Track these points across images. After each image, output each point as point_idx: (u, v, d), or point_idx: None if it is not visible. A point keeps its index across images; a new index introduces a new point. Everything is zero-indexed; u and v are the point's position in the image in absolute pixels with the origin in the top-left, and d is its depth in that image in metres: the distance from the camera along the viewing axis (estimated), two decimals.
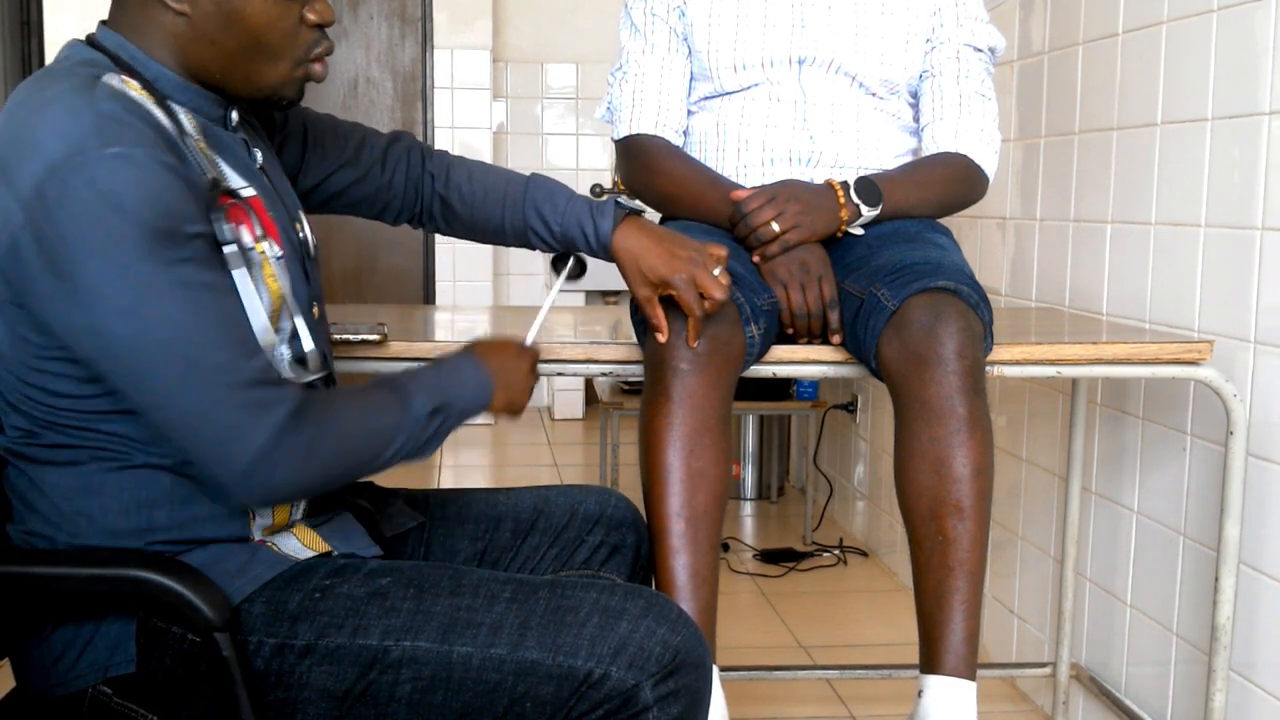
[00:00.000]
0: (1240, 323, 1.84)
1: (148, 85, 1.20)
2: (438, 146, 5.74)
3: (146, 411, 1.15)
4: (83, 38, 1.25)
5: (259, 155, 1.34)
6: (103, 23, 1.25)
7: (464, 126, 5.34)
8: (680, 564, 1.51)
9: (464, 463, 4.79)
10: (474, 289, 5.36)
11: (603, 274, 4.89)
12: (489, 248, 5.25)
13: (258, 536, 1.28)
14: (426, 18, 5.27)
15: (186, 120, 1.24)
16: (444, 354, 1.38)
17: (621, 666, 1.19)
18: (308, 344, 1.28)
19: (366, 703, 1.21)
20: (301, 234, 1.36)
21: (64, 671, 1.23)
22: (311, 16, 1.26)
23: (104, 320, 1.10)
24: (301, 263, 1.33)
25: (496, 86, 5.48)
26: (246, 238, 1.22)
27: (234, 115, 1.31)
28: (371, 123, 5.48)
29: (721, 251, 1.52)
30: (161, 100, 1.20)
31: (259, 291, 1.22)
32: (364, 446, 1.23)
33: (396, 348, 1.71)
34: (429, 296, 5.39)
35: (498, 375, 1.37)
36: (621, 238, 1.53)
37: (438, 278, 5.38)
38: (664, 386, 1.54)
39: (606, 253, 1.55)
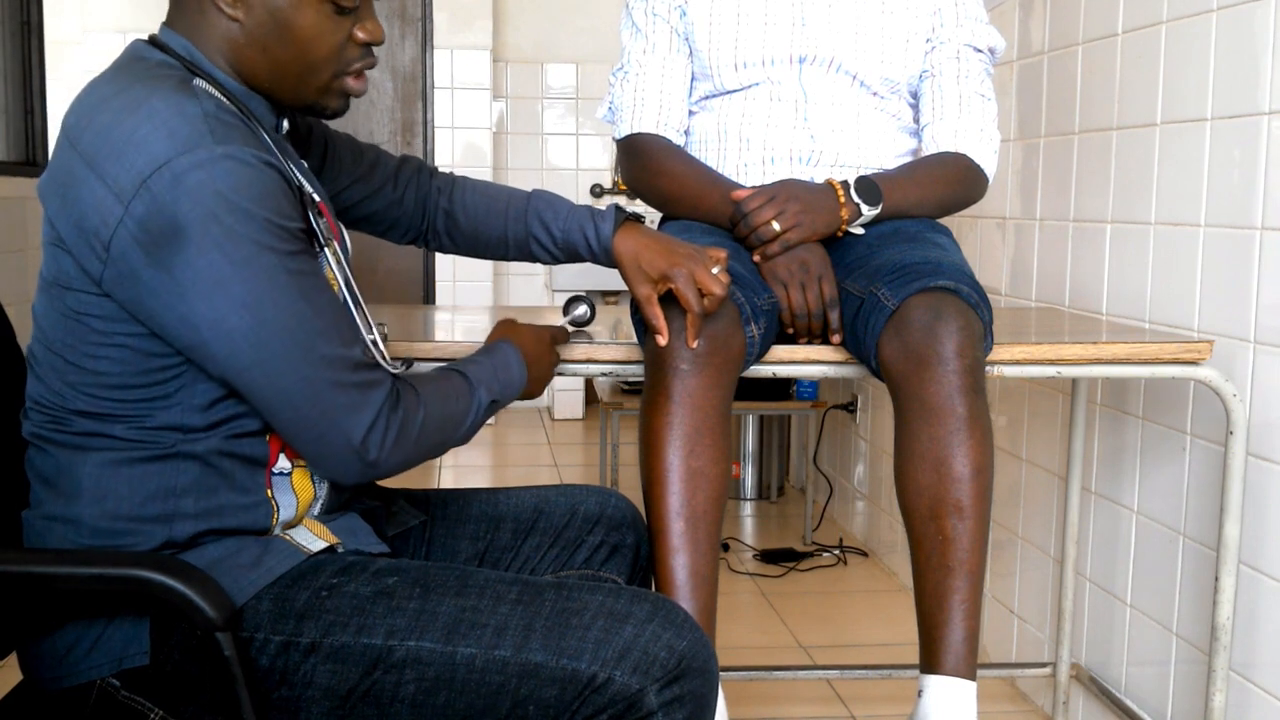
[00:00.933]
0: (1240, 323, 1.84)
1: (221, 90, 1.23)
2: (438, 147, 5.71)
3: (255, 398, 1.20)
4: (145, 38, 1.27)
5: (304, 164, 1.39)
6: (165, 24, 1.28)
7: (464, 126, 5.34)
8: (679, 563, 1.51)
9: (464, 463, 4.79)
10: (474, 289, 5.37)
11: (603, 274, 4.89)
12: None
13: (276, 531, 1.30)
14: (426, 18, 5.27)
15: (259, 129, 1.26)
16: (491, 342, 1.46)
17: (626, 671, 1.19)
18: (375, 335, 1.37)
19: (369, 702, 1.22)
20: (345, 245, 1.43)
21: (76, 663, 1.23)
22: (361, 35, 1.29)
23: (224, 314, 1.14)
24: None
25: (496, 86, 5.48)
26: (325, 229, 1.30)
27: (284, 124, 1.35)
28: (371, 123, 5.50)
29: (721, 253, 1.54)
30: (240, 106, 1.24)
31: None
32: (446, 426, 1.31)
33: (396, 348, 1.71)
34: (429, 296, 5.39)
35: (531, 367, 1.46)
36: (622, 239, 1.55)
37: (438, 278, 5.38)
38: (664, 386, 1.54)
39: (608, 255, 1.57)
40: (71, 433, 1.23)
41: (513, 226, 1.61)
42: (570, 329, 1.72)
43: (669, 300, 1.52)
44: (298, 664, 1.22)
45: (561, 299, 1.77)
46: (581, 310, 1.80)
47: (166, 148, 1.12)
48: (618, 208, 1.59)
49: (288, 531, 1.31)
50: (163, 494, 1.23)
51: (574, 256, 1.61)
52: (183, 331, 1.16)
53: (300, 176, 1.32)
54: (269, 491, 1.28)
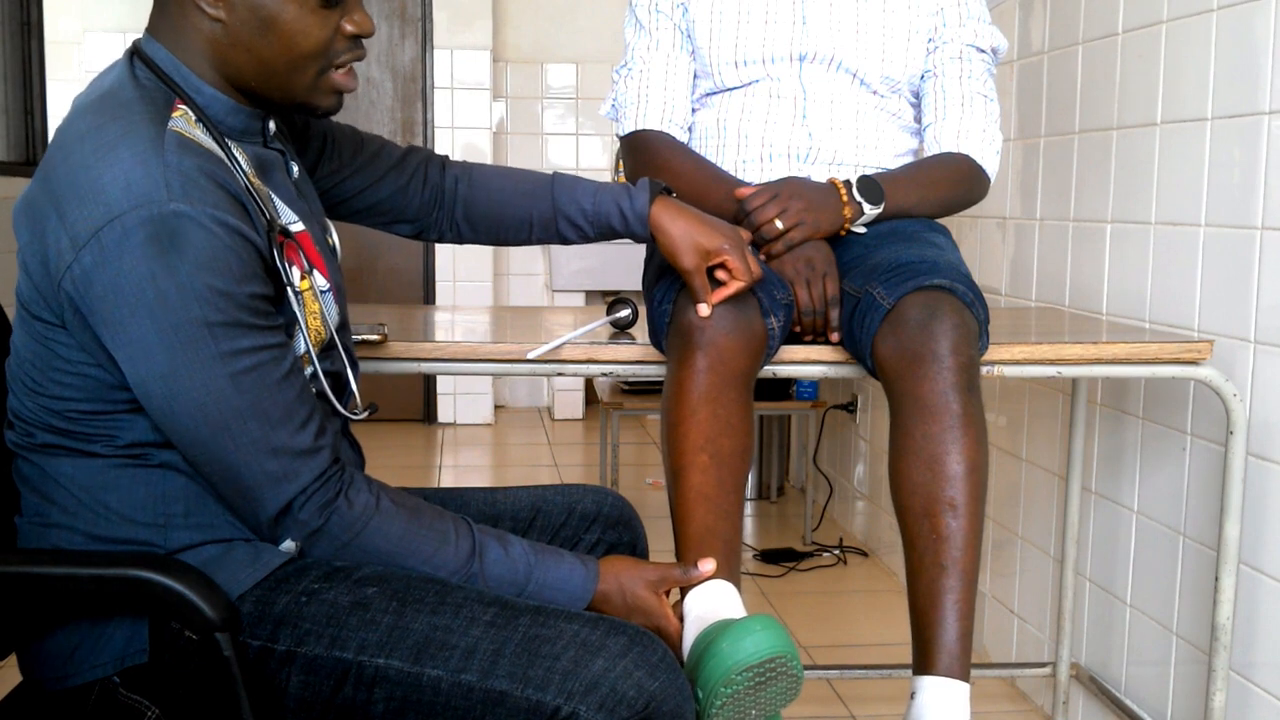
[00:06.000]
0: (1240, 323, 1.84)
1: (201, 115, 1.21)
2: (438, 147, 5.67)
3: (178, 448, 1.20)
4: (129, 47, 1.26)
5: (295, 168, 1.36)
6: (148, 31, 1.26)
7: (464, 126, 5.34)
8: (700, 493, 1.49)
9: (464, 463, 4.79)
10: (474, 289, 5.36)
11: (603, 275, 4.89)
12: (489, 248, 5.25)
13: None
14: (426, 18, 5.27)
15: (239, 155, 1.24)
16: (580, 558, 1.36)
17: (592, 706, 1.16)
18: (352, 384, 1.37)
19: (341, 717, 1.21)
20: (331, 240, 1.40)
21: (80, 662, 1.23)
22: (349, 27, 1.26)
23: (145, 378, 1.15)
24: (339, 285, 1.37)
25: (496, 86, 5.48)
26: (295, 276, 1.26)
27: (271, 127, 1.32)
28: (371, 123, 5.49)
29: (748, 235, 1.61)
30: (218, 135, 1.21)
31: (300, 336, 1.27)
32: (400, 554, 1.27)
33: (396, 348, 1.71)
34: (429, 296, 5.39)
35: (603, 606, 1.36)
36: (660, 212, 1.56)
37: (438, 278, 5.38)
38: (692, 346, 1.54)
39: (643, 226, 1.57)
40: (51, 446, 1.24)
41: (539, 207, 1.60)
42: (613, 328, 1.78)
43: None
44: (274, 671, 1.21)
45: (561, 299, 1.78)
46: (625, 313, 1.82)
47: (122, 201, 1.10)
48: (651, 180, 1.59)
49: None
50: (153, 500, 1.23)
51: (606, 232, 1.60)
52: (120, 376, 1.18)
53: (280, 200, 1.30)
54: None
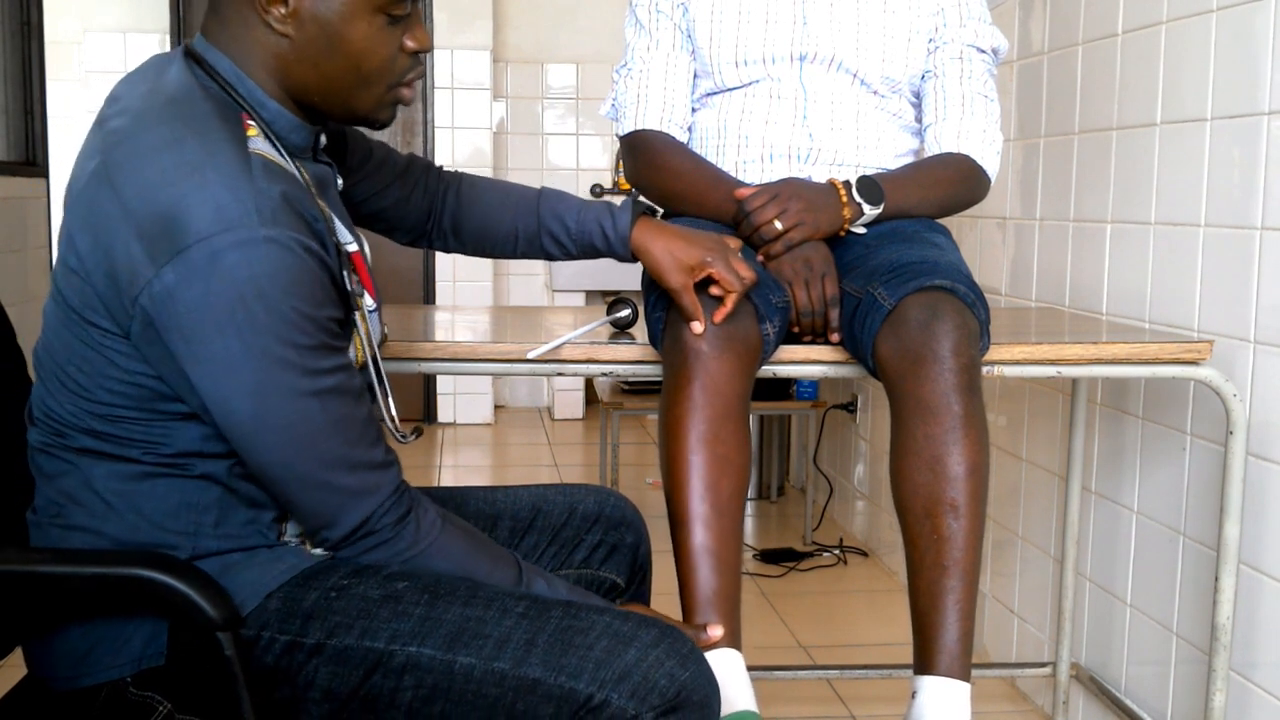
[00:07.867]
0: (1240, 323, 1.84)
1: (269, 132, 1.21)
2: (438, 147, 5.68)
3: (252, 468, 1.21)
4: (181, 48, 1.24)
5: (340, 181, 1.37)
6: (204, 36, 1.24)
7: (464, 126, 5.34)
8: (704, 548, 1.49)
9: (464, 462, 4.79)
10: (474, 289, 5.37)
11: (603, 275, 4.89)
12: None
13: (293, 544, 1.30)
14: (426, 18, 5.27)
15: (305, 175, 1.24)
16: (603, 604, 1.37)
17: (624, 694, 1.17)
18: (390, 408, 1.35)
19: (367, 707, 1.21)
20: (365, 254, 1.39)
21: (97, 662, 1.23)
22: (411, 44, 1.27)
23: (229, 396, 1.14)
24: (379, 303, 1.38)
25: (496, 86, 5.48)
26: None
27: (323, 139, 1.32)
28: None
29: (736, 242, 1.58)
30: (287, 154, 1.21)
31: (360, 355, 1.28)
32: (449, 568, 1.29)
33: (396, 348, 1.71)
34: (429, 296, 5.39)
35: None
36: (642, 233, 1.56)
37: (438, 278, 5.38)
38: (686, 373, 1.54)
39: (625, 246, 1.57)
40: (85, 449, 1.23)
41: (524, 221, 1.60)
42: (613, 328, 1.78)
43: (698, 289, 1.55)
44: (301, 664, 1.21)
45: (561, 299, 1.79)
46: (625, 312, 1.83)
47: (211, 223, 1.10)
48: (634, 200, 1.59)
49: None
50: (186, 509, 1.23)
51: (588, 250, 1.61)
52: (190, 396, 1.17)
53: (337, 220, 1.30)
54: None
